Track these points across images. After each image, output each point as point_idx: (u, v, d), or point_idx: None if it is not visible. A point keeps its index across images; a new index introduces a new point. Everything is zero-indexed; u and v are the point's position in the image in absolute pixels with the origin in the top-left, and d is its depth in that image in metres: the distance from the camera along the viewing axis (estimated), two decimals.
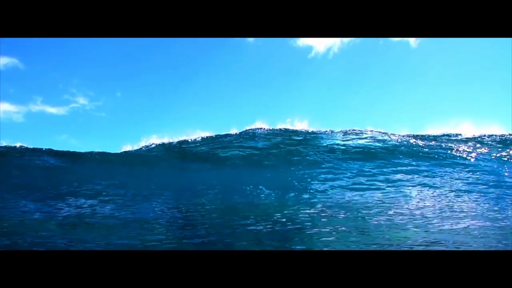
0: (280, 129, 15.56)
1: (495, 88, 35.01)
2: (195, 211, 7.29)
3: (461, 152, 13.25)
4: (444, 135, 16.37)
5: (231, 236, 5.40)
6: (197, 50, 38.44)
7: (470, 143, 14.76)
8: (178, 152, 13.55)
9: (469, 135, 16.13)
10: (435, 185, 9.52)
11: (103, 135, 34.50)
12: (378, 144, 14.01)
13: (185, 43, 37.18)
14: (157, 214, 7.03)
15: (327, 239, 5.04)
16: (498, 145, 14.74)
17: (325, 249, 4.62)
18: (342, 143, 14.03)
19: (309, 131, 15.47)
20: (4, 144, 12.56)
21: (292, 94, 39.10)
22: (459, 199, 8.13)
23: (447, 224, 5.82)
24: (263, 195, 8.76)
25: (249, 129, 15.37)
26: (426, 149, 13.50)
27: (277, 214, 6.69)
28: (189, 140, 14.36)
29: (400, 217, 6.40)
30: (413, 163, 11.90)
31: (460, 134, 16.32)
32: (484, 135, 16.06)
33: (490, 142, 15.15)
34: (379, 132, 15.71)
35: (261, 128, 15.42)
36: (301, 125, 15.78)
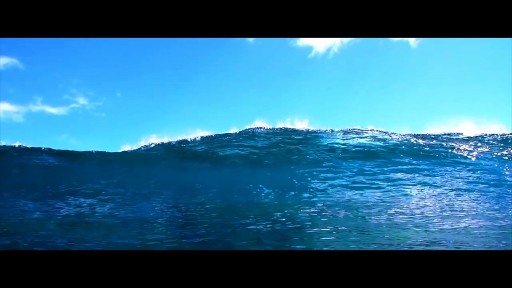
0: (280, 128, 15.56)
1: (495, 88, 35.04)
2: (195, 210, 7.29)
3: (462, 151, 13.25)
4: (444, 134, 16.36)
5: (231, 235, 5.41)
6: (197, 50, 38.47)
7: (470, 142, 14.75)
8: (178, 152, 13.55)
9: (470, 134, 16.12)
10: (435, 184, 9.53)
11: (103, 135, 34.53)
12: (378, 143, 14.01)
13: (185, 43, 37.20)
14: (157, 213, 7.04)
15: (327, 238, 5.04)
16: (498, 144, 14.74)
17: (325, 248, 4.62)
18: (342, 142, 14.02)
19: (309, 130, 15.47)
20: (3, 143, 12.56)
21: (292, 94, 39.14)
22: (460, 198, 8.13)
23: (448, 224, 5.82)
24: (263, 194, 8.76)
25: (249, 129, 15.37)
26: (427, 148, 13.50)
27: (277, 213, 6.69)
28: (189, 140, 14.36)
29: (400, 216, 6.41)
30: (414, 162, 11.90)
31: (460, 133, 16.31)
32: (485, 134, 16.05)
33: (490, 141, 15.15)
34: (380, 131, 15.69)
35: (261, 128, 15.41)
36: (301, 125, 15.79)
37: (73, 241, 5.05)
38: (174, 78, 39.45)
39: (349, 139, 14.48)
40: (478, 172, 10.86)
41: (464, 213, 6.72)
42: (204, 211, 7.15)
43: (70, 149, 13.15)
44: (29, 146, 12.57)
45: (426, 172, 10.79)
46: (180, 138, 14.44)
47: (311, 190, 9.17)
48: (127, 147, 13.97)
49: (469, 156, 12.67)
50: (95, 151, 12.76)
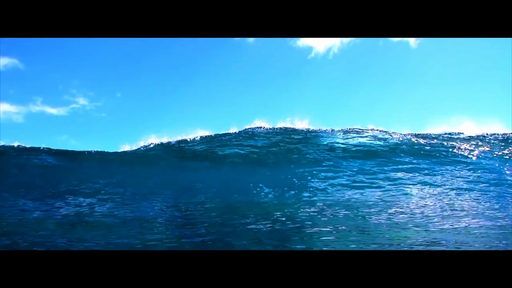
0: (280, 128, 15.55)
1: (495, 87, 35.05)
2: (195, 210, 7.29)
3: (462, 150, 13.24)
4: (445, 133, 16.36)
5: (231, 235, 5.41)
6: (197, 50, 38.47)
7: (471, 142, 14.74)
8: (177, 151, 13.54)
9: (470, 134, 16.11)
10: (435, 184, 9.52)
11: (103, 135, 34.53)
12: (378, 142, 14.00)
13: (185, 43, 37.20)
14: (157, 213, 7.04)
15: (327, 238, 5.04)
16: (499, 143, 14.73)
17: (325, 248, 4.62)
18: (343, 141, 14.02)
19: (309, 130, 15.46)
20: (2, 143, 12.55)
21: (292, 94, 39.15)
22: (460, 198, 8.13)
23: (448, 224, 5.82)
24: (262, 194, 8.76)
25: (249, 128, 15.36)
26: (427, 148, 13.49)
27: (276, 213, 6.69)
28: (188, 140, 14.35)
29: (401, 216, 6.41)
30: (414, 161, 11.90)
31: (461, 133, 16.29)
32: (486, 134, 16.04)
33: (491, 141, 15.15)
34: (380, 130, 15.69)
35: (260, 127, 15.40)
36: (301, 124, 15.79)
37: (72, 240, 5.05)
38: (174, 78, 39.48)
39: (349, 138, 14.48)
40: (479, 171, 10.85)
41: (465, 213, 6.71)
42: (204, 211, 7.15)
43: (70, 149, 13.14)
44: (28, 145, 12.56)
45: (426, 172, 10.78)
46: (179, 138, 14.45)
47: (311, 189, 9.17)
48: (126, 147, 13.97)
49: (469, 156, 12.67)
50: (94, 150, 12.75)
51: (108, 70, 37.68)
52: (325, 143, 13.78)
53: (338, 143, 13.81)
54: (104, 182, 9.33)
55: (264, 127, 15.42)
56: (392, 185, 9.43)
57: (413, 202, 7.71)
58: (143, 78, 38.41)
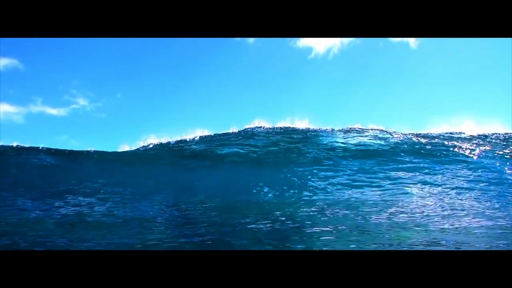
0: (280, 127, 15.54)
1: (495, 87, 35.06)
2: (195, 209, 7.29)
3: (463, 150, 13.23)
4: (445, 133, 16.35)
5: (230, 234, 5.40)
6: (197, 50, 38.48)
7: (471, 141, 14.74)
8: (177, 151, 13.53)
9: (471, 133, 16.10)
10: (436, 183, 9.52)
11: (104, 136, 34.55)
12: (379, 142, 14.00)
13: (185, 43, 37.21)
14: (156, 213, 7.04)
15: (327, 238, 5.04)
16: (500, 143, 14.72)
17: (325, 248, 4.62)
18: (343, 141, 14.01)
19: (309, 129, 15.45)
20: (1, 144, 12.54)
21: (292, 94, 39.17)
22: (460, 198, 8.13)
23: (448, 223, 5.81)
24: (262, 193, 8.76)
25: (249, 128, 15.35)
26: (428, 147, 13.48)
27: (276, 213, 6.69)
28: (188, 139, 14.34)
29: (401, 215, 6.40)
30: (414, 161, 11.90)
31: (462, 132, 16.28)
32: (487, 134, 16.03)
33: (492, 140, 15.14)
34: (380, 130, 15.68)
35: (260, 127, 15.40)
36: (301, 124, 15.77)
37: (72, 240, 5.05)
38: (174, 78, 39.49)
39: (350, 138, 14.47)
40: (479, 171, 10.85)
41: (465, 213, 6.71)
42: (203, 210, 7.15)
43: (69, 149, 13.13)
44: (27, 145, 12.55)
45: (426, 171, 10.78)
46: (179, 138, 14.44)
47: (311, 189, 9.17)
48: (126, 147, 13.96)
49: (470, 155, 12.66)
50: (93, 150, 12.75)
51: (108, 70, 37.72)
52: (325, 142, 13.78)
53: (338, 142, 13.81)
54: (103, 182, 9.32)
55: (264, 127, 15.41)
56: (392, 184, 9.42)
57: (413, 202, 7.71)
58: (143, 78, 38.45)
